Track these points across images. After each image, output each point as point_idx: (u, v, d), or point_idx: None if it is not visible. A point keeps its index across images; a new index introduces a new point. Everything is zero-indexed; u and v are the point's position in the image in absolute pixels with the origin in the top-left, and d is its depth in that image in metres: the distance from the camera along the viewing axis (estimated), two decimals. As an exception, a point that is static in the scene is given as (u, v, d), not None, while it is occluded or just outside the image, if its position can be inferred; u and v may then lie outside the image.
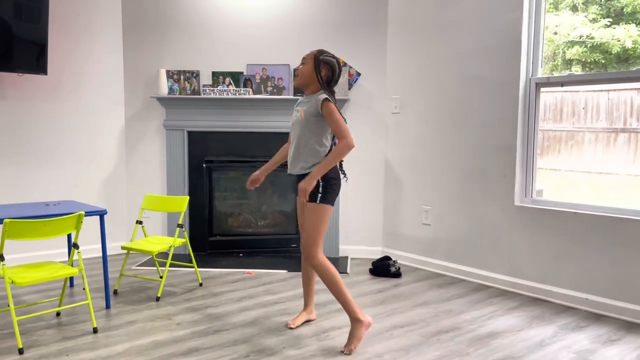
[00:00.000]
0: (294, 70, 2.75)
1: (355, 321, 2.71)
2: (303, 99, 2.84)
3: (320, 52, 2.77)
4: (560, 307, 3.43)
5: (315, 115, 2.69)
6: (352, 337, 2.70)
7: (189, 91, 4.60)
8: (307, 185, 2.64)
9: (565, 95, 4.70)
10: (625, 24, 3.65)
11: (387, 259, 4.27)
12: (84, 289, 3.00)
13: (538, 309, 3.38)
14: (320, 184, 2.69)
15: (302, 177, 2.73)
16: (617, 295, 3.23)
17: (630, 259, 3.18)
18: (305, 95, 2.84)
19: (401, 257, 4.51)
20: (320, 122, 2.71)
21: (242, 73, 4.61)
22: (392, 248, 4.63)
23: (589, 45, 3.87)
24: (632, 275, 3.17)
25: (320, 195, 2.70)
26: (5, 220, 2.61)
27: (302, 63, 2.78)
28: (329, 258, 4.55)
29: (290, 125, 2.86)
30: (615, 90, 4.34)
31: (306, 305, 3.10)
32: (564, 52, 4.00)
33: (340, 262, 4.45)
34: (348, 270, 4.25)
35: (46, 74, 4.12)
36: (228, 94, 4.51)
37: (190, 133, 4.69)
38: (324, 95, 2.70)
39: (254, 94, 4.56)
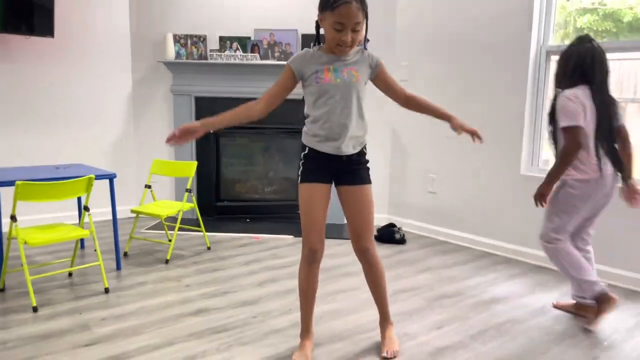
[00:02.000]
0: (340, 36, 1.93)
1: (389, 321, 2.43)
2: (337, 57, 2.14)
3: (363, 3, 2.04)
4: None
5: (367, 77, 2.21)
6: (393, 338, 2.41)
7: (196, 56, 4.57)
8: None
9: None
10: (639, -9, 3.57)
11: (392, 225, 4.32)
12: (94, 250, 3.06)
13: (541, 277, 3.43)
14: (366, 160, 2.31)
15: (349, 157, 2.21)
16: (619, 264, 3.27)
17: (634, 227, 3.20)
18: (329, 53, 2.15)
19: (406, 224, 4.55)
20: (365, 87, 2.21)
21: (249, 38, 4.57)
22: (397, 215, 4.67)
23: (600, 14, 3.80)
24: (633, 244, 3.20)
25: (369, 173, 2.31)
26: (17, 182, 2.66)
27: (355, 30, 2.03)
28: (335, 225, 4.63)
29: (321, 88, 2.14)
30: (626, 59, 4.29)
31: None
32: (575, 20, 3.93)
33: (345, 229, 4.50)
34: (353, 237, 4.31)
35: (53, 37, 4.11)
36: (235, 60, 4.49)
37: (197, 98, 4.69)
38: (373, 54, 2.22)
39: (261, 59, 4.54)
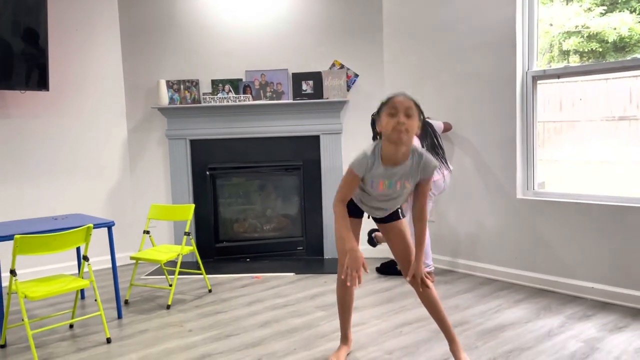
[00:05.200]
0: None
1: (454, 341, 2.52)
2: (394, 170, 2.29)
3: (414, 100, 2.30)
4: (567, 297, 3.45)
5: (418, 180, 2.37)
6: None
7: (189, 100, 4.65)
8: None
9: (563, 86, 4.72)
10: (620, 11, 3.67)
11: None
12: (95, 300, 3.04)
13: (544, 300, 3.41)
14: None
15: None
16: (623, 283, 3.26)
17: (633, 246, 3.20)
18: (390, 157, 2.28)
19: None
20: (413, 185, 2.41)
21: (241, 80, 4.65)
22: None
23: (585, 35, 3.89)
24: (636, 262, 3.19)
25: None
26: (15, 236, 2.66)
27: (408, 115, 2.21)
28: (333, 259, 4.61)
29: (375, 192, 2.37)
30: (613, 78, 4.36)
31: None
32: (561, 43, 4.02)
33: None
34: (355, 270, 4.29)
35: (48, 90, 4.18)
36: (228, 101, 4.56)
37: (192, 141, 4.74)
38: (433, 159, 2.36)
39: (254, 99, 4.61)
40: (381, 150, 2.28)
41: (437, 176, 3.83)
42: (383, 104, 2.29)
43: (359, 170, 2.29)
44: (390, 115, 2.22)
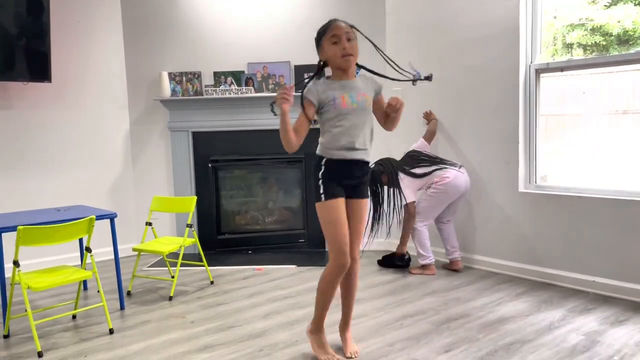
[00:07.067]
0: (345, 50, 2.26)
1: (349, 325, 2.66)
2: (348, 83, 2.39)
3: (351, 25, 2.40)
4: (568, 290, 3.46)
5: (373, 98, 2.47)
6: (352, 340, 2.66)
7: (191, 92, 4.64)
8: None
9: (566, 79, 4.70)
10: (624, 4, 3.64)
11: (394, 254, 4.30)
12: (98, 291, 3.05)
13: (546, 294, 3.41)
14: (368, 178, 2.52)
15: (363, 165, 2.44)
16: (624, 277, 3.26)
17: (635, 240, 3.20)
18: (340, 76, 2.40)
19: (408, 247, 4.53)
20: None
21: (243, 72, 4.64)
22: (399, 238, 4.65)
23: (589, 28, 3.86)
24: (638, 256, 3.19)
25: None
26: (19, 228, 2.67)
27: (349, 38, 2.33)
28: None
29: (342, 112, 2.35)
30: (617, 72, 4.34)
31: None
32: (564, 36, 4.00)
33: (348, 255, 4.48)
34: (356, 263, 4.30)
35: (50, 82, 4.18)
36: (230, 94, 4.55)
37: (194, 133, 4.74)
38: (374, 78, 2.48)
39: (256, 92, 4.60)
40: (329, 78, 2.41)
41: (451, 176, 3.81)
42: (321, 34, 2.36)
43: (309, 94, 2.34)
44: (334, 44, 2.32)
